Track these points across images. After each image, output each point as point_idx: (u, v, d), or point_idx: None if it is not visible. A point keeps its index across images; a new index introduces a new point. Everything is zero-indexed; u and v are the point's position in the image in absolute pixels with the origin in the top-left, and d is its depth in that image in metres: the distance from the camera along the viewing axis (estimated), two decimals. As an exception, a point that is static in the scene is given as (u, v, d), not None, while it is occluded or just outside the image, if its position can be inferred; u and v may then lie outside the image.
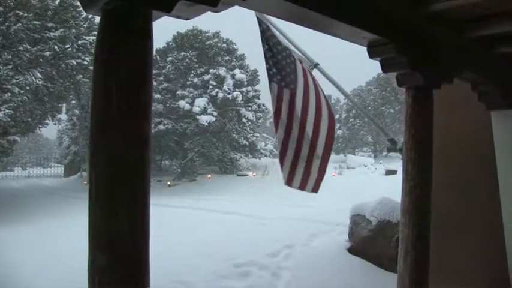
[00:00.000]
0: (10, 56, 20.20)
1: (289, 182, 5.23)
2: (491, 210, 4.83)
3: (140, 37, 1.72)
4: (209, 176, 28.67)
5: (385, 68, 3.31)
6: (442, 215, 4.90)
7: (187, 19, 2.09)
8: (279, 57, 4.99)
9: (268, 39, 5.05)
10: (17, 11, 19.95)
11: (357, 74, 47.19)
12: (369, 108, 39.17)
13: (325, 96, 5.02)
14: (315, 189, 5.27)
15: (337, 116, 47.83)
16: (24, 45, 20.53)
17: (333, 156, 35.18)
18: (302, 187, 5.24)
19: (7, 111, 19.03)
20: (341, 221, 9.22)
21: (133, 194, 1.68)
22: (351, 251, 7.39)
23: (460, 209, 5.30)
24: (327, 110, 4.97)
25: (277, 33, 5.17)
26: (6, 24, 19.50)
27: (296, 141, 5.03)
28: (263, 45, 5.10)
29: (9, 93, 19.41)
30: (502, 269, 4.77)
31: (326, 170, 5.19)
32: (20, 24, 19.78)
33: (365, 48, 3.25)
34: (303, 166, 5.10)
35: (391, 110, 41.49)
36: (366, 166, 30.80)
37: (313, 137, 4.98)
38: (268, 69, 5.06)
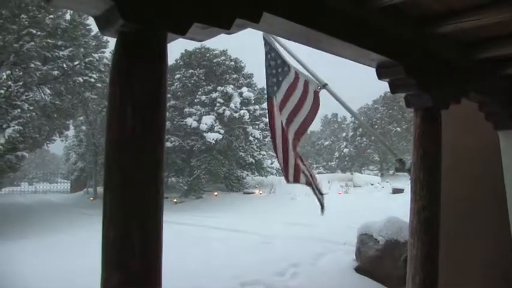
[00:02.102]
0: (21, 73, 20.42)
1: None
2: (499, 230, 4.81)
3: (155, 59, 1.77)
4: (215, 193, 28.62)
5: (393, 89, 3.34)
6: (451, 234, 4.89)
7: (200, 41, 2.14)
8: (279, 78, 5.17)
9: (271, 60, 5.23)
10: (31, 30, 20.23)
11: (363, 92, 47.22)
12: (376, 126, 39.10)
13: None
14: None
15: (343, 134, 47.88)
16: (35, 63, 20.77)
17: (339, 175, 35.11)
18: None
19: (16, 127, 19.19)
20: (348, 240, 9.18)
21: (147, 215, 1.71)
22: (358, 270, 7.35)
23: (468, 228, 5.29)
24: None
25: (285, 53, 5.29)
26: (20, 42, 19.76)
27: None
28: (267, 65, 5.33)
29: (18, 110, 19.59)
30: None
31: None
32: (33, 43, 20.05)
33: (372, 68, 3.29)
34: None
35: (398, 129, 41.37)
36: (372, 185, 30.62)
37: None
38: (270, 87, 5.35)
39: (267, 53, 5.31)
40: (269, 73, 5.33)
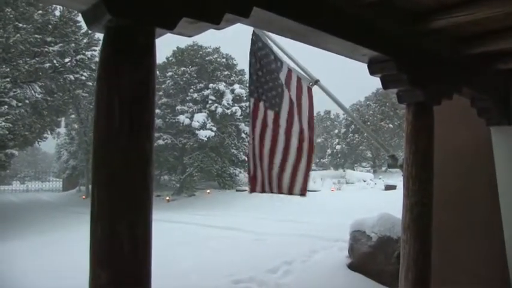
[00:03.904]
0: (8, 69, 20.24)
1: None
2: (492, 225, 4.82)
3: (143, 55, 1.73)
4: (208, 191, 28.59)
5: (385, 84, 3.32)
6: (443, 229, 4.90)
7: (189, 36, 2.11)
8: (267, 77, 5.03)
9: (261, 58, 5.09)
10: (17, 23, 20.06)
11: (356, 89, 47.36)
12: (368, 123, 39.20)
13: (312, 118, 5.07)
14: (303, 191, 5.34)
15: (336, 131, 47.99)
16: (23, 59, 20.61)
17: (332, 172, 35.18)
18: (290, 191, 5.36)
19: (4, 123, 19.01)
20: (340, 237, 9.18)
21: (136, 212, 1.68)
22: (351, 267, 7.34)
23: (461, 223, 5.30)
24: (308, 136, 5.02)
25: (275, 49, 5.19)
26: (5, 35, 19.59)
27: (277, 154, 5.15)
28: (252, 62, 5.16)
29: (6, 106, 19.43)
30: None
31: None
32: (18, 35, 19.87)
33: (364, 64, 3.27)
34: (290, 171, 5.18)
35: (390, 125, 41.54)
36: (365, 181, 30.74)
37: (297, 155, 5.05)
38: (252, 86, 5.18)
39: (257, 50, 5.17)
40: (255, 71, 5.15)
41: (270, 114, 5.04)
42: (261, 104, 5.07)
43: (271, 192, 5.28)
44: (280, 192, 5.27)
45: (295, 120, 5.00)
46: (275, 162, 5.17)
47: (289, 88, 4.96)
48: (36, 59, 21.47)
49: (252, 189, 5.23)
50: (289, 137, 5.03)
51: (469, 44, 3.60)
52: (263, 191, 5.23)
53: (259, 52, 5.10)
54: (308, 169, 5.09)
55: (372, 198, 20.83)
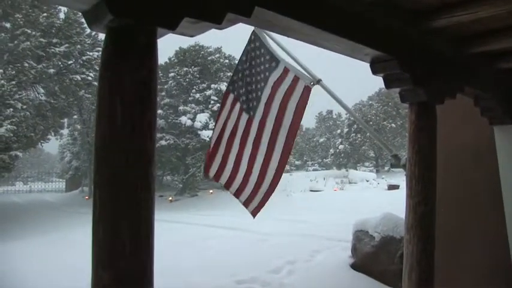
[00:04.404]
0: (14, 72, 20.32)
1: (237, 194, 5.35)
2: (495, 225, 4.81)
3: (145, 54, 1.73)
4: (211, 191, 28.58)
5: (388, 84, 3.32)
6: (447, 229, 4.89)
7: (191, 36, 2.10)
8: (252, 78, 5.04)
9: (254, 58, 5.10)
10: (26, 29, 20.13)
11: (358, 88, 47.29)
12: (371, 123, 39.12)
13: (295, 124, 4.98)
14: (255, 212, 5.30)
15: (338, 131, 47.86)
16: (29, 62, 20.67)
17: (334, 171, 35.15)
18: (246, 205, 5.33)
19: (9, 126, 19.09)
20: (343, 237, 9.17)
21: (138, 213, 1.68)
22: (354, 267, 7.34)
23: (464, 223, 5.29)
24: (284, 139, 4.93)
25: (275, 48, 5.18)
26: (15, 42, 19.65)
27: (246, 161, 5.10)
28: (242, 60, 5.19)
29: (11, 109, 19.49)
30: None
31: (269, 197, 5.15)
32: (28, 42, 19.95)
33: (367, 63, 3.27)
34: (252, 185, 5.13)
35: (393, 125, 41.43)
36: (368, 181, 30.71)
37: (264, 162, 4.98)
38: (234, 83, 5.20)
39: (252, 50, 5.17)
40: (242, 70, 5.17)
41: (244, 117, 5.06)
42: (237, 104, 5.11)
43: (226, 189, 5.37)
44: (235, 196, 5.34)
45: (266, 132, 4.92)
46: (240, 167, 5.18)
47: (275, 90, 4.91)
48: (43, 64, 21.52)
49: (206, 171, 5.38)
50: (255, 150, 5.00)
51: (472, 43, 3.58)
52: (217, 180, 5.32)
53: (253, 52, 5.10)
54: (270, 191, 5.05)
55: (375, 198, 20.79)
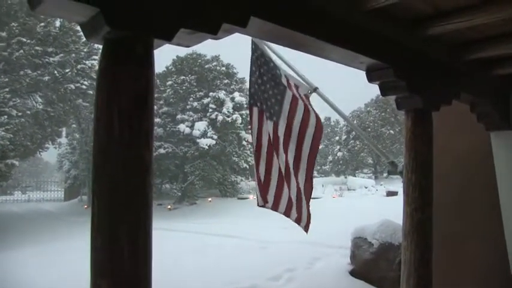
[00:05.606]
0: (7, 79, 20.29)
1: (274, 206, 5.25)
2: (493, 230, 4.82)
3: (141, 65, 1.75)
4: (210, 199, 28.55)
5: (384, 91, 3.34)
6: (445, 234, 4.90)
7: (187, 46, 2.12)
8: (267, 85, 5.01)
9: (260, 66, 5.08)
10: (21, 38, 20.15)
11: (356, 95, 47.32)
12: (369, 129, 39.17)
13: (319, 124, 4.96)
14: (307, 227, 5.22)
15: (336, 138, 47.88)
16: (24, 70, 20.68)
17: (333, 178, 35.07)
18: (297, 221, 5.23)
19: (3, 133, 19.00)
20: (343, 244, 9.16)
21: (136, 221, 1.69)
22: (353, 273, 7.34)
23: (461, 229, 5.29)
24: (310, 144, 4.91)
25: (274, 57, 5.20)
26: (9, 50, 19.67)
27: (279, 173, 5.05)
28: (252, 71, 5.14)
29: (5, 116, 19.44)
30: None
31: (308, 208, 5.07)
32: (22, 51, 19.96)
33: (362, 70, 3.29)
34: (295, 201, 5.06)
35: (391, 131, 41.46)
36: (366, 188, 30.69)
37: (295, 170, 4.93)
38: (253, 95, 5.12)
39: (256, 59, 5.17)
40: (255, 80, 5.12)
41: (270, 124, 5.01)
42: (264, 115, 5.04)
43: (275, 210, 5.23)
44: (285, 215, 5.23)
45: (293, 138, 4.89)
46: (284, 186, 5.08)
47: (292, 91, 4.90)
48: (38, 71, 21.53)
49: (264, 202, 5.21)
50: (287, 157, 4.93)
51: (467, 50, 3.61)
52: (269, 206, 5.20)
53: (258, 60, 5.10)
54: (308, 199, 4.99)
55: (374, 204, 20.75)
